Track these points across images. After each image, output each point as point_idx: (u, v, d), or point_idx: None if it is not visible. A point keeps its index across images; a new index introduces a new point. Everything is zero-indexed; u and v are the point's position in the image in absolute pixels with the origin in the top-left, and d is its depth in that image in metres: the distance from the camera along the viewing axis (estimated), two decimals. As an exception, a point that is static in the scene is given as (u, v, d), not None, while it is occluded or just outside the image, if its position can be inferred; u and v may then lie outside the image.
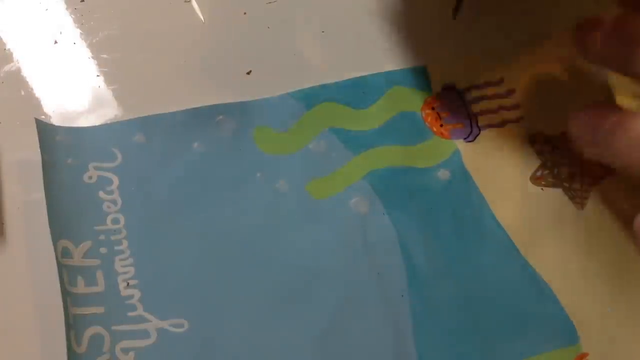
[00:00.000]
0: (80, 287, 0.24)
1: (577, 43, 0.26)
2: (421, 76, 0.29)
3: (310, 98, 0.28)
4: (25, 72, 0.28)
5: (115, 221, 0.25)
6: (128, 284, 0.25)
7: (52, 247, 0.24)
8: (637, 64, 0.23)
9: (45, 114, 0.27)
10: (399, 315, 0.25)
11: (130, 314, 0.24)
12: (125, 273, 0.25)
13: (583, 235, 0.27)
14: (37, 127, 0.26)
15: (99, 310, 0.24)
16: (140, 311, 0.24)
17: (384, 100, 0.28)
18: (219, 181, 0.26)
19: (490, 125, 0.28)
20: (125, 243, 0.25)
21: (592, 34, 0.25)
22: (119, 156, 0.26)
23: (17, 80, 0.28)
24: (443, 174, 0.28)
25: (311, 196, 0.27)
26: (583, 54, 0.26)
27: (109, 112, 0.27)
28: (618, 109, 0.24)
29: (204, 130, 0.27)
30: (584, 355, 0.26)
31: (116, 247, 0.25)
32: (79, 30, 0.29)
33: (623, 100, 0.29)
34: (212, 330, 0.24)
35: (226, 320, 0.25)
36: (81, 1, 0.29)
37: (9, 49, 0.28)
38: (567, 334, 0.26)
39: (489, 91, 0.29)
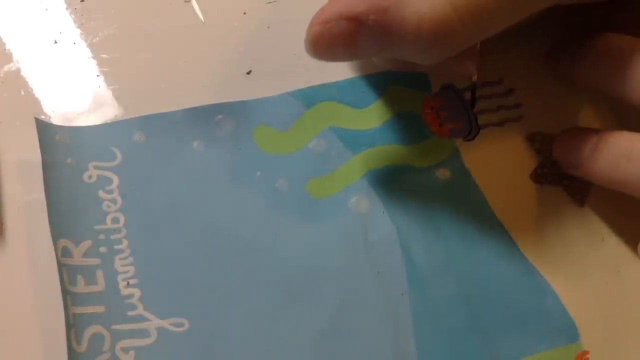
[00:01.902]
0: (80, 287, 0.24)
1: (552, 67, 0.28)
2: (420, 76, 0.29)
3: (310, 97, 0.28)
4: (25, 72, 0.28)
5: (115, 220, 0.25)
6: (128, 283, 0.25)
7: (52, 247, 0.24)
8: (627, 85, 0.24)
9: (45, 114, 0.27)
10: (399, 314, 0.25)
11: (130, 313, 0.24)
12: (125, 272, 0.25)
13: (583, 232, 0.27)
14: (37, 126, 0.26)
15: (99, 309, 0.24)
16: (140, 310, 0.24)
17: (383, 99, 0.28)
18: (218, 180, 0.26)
19: (489, 125, 0.28)
20: (125, 242, 0.25)
21: (568, 57, 0.27)
22: (119, 155, 0.26)
23: (17, 80, 0.28)
24: (443, 173, 0.28)
25: (311, 195, 0.27)
26: (560, 77, 0.27)
27: (109, 112, 0.27)
28: (597, 130, 0.26)
29: (203, 130, 0.27)
30: (585, 353, 0.26)
31: (116, 247, 0.25)
32: (79, 30, 0.29)
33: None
34: (213, 330, 0.24)
35: (226, 320, 0.25)
36: (81, 1, 0.29)
37: (9, 49, 0.28)
38: (568, 331, 0.26)
39: (489, 91, 0.29)
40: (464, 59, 0.25)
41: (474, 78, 0.26)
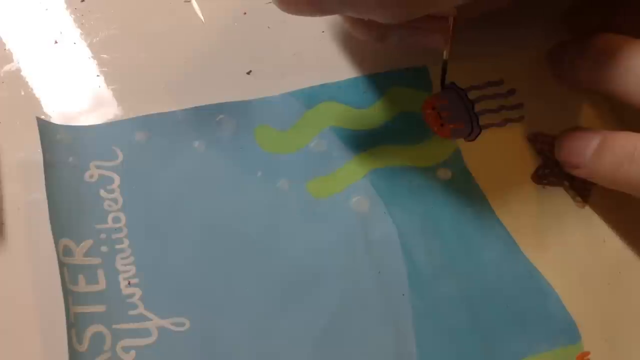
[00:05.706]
0: (81, 286, 0.24)
1: (553, 68, 0.28)
2: (422, 76, 0.29)
3: (311, 97, 0.28)
4: (25, 72, 0.28)
5: (117, 220, 0.25)
6: (129, 282, 0.25)
7: (52, 247, 0.24)
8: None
9: (45, 114, 0.27)
10: (400, 314, 0.25)
11: (131, 312, 0.24)
12: (126, 272, 0.25)
13: (584, 233, 0.27)
14: (38, 125, 0.26)
15: (100, 308, 0.24)
16: (141, 310, 0.24)
17: (385, 100, 0.28)
18: (219, 180, 0.26)
19: (491, 125, 0.28)
20: (126, 242, 0.25)
21: (567, 58, 0.27)
22: (120, 155, 0.26)
23: (17, 80, 0.28)
24: (444, 173, 0.28)
25: (312, 195, 0.27)
26: (561, 78, 0.27)
27: (109, 112, 0.27)
28: (599, 131, 0.26)
29: (204, 129, 0.27)
30: (586, 354, 0.26)
31: (117, 246, 0.25)
32: (79, 30, 0.29)
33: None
34: (213, 329, 0.24)
35: (227, 319, 0.25)
36: (81, 1, 0.29)
37: (9, 49, 0.28)
38: (569, 332, 0.26)
39: (490, 91, 0.29)
40: (433, 31, 0.24)
41: (445, 56, 0.26)
